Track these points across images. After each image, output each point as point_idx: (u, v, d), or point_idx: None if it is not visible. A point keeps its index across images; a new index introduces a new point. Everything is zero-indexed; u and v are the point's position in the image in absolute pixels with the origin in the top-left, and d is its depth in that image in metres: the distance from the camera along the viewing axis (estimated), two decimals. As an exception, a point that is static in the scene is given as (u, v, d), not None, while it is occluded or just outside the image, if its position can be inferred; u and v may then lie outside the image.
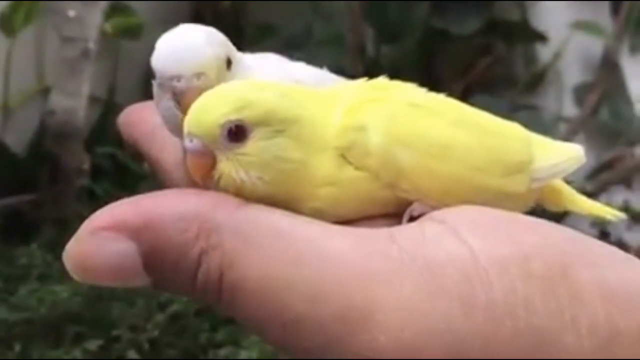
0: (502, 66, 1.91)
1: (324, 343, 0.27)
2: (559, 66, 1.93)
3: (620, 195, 1.76)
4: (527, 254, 0.27)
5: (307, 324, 0.27)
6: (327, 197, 0.31)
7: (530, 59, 1.95)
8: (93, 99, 1.47)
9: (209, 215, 0.28)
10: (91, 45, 1.29)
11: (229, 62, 0.36)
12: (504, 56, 1.93)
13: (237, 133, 0.30)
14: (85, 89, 1.30)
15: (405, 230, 0.29)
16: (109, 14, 1.50)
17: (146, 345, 1.03)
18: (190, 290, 0.28)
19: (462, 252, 0.27)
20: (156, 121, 0.40)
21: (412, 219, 0.31)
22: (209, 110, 0.30)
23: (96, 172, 1.44)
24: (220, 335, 1.08)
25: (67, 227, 1.30)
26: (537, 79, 1.93)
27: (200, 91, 0.34)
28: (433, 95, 0.35)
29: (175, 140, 0.39)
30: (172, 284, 0.29)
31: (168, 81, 0.35)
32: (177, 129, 0.36)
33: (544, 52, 1.94)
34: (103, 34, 1.47)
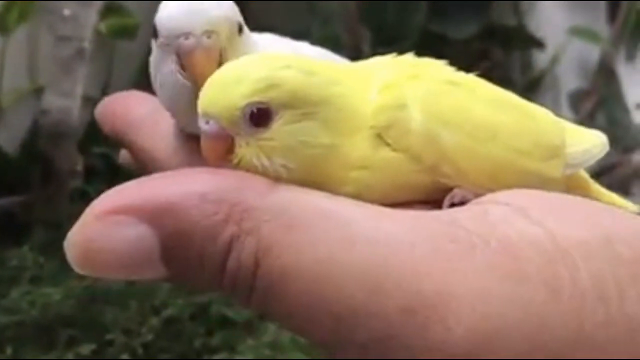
0: (499, 71, 1.91)
1: (384, 337, 0.24)
2: (556, 71, 1.93)
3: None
4: (608, 236, 0.25)
5: (366, 315, 0.24)
6: (360, 181, 0.29)
7: (527, 64, 1.95)
8: (86, 99, 1.45)
9: (239, 196, 0.25)
10: (86, 44, 1.27)
11: (240, 28, 0.33)
12: (501, 61, 1.93)
13: (259, 116, 0.28)
14: (80, 89, 1.29)
15: (465, 212, 0.26)
16: (104, 14, 1.48)
17: (140, 350, 1.02)
18: (216, 281, 0.25)
19: (538, 233, 0.25)
20: (143, 110, 0.38)
21: (452, 205, 0.29)
22: (228, 90, 0.28)
23: (89, 173, 1.43)
24: (215, 340, 1.07)
25: (59, 229, 1.29)
26: (534, 84, 1.93)
27: (209, 52, 0.31)
28: (465, 74, 0.33)
29: (167, 126, 0.36)
30: (195, 274, 0.26)
31: (174, 40, 0.32)
32: (177, 99, 0.33)
33: (541, 58, 1.94)
34: (97, 34, 1.46)
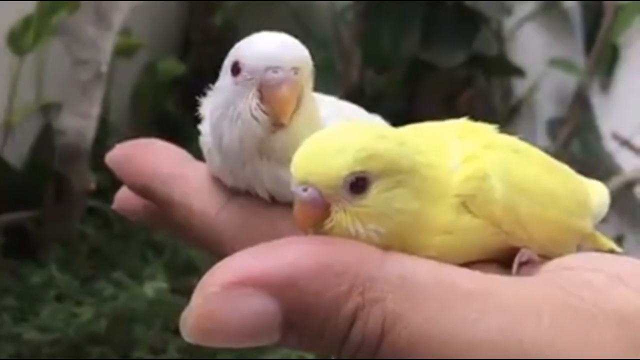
0: (480, 98, 1.99)
1: None
2: (534, 100, 2.01)
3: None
4: None
5: None
6: (442, 245, 0.30)
7: (507, 92, 2.03)
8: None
9: (360, 267, 0.26)
10: (104, 68, 1.31)
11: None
12: (484, 89, 2.00)
13: (359, 185, 0.29)
14: (96, 111, 1.32)
15: (569, 279, 0.28)
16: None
17: (167, 368, 1.05)
18: (336, 349, 0.26)
19: None
20: (168, 162, 0.36)
21: (520, 264, 0.31)
22: (330, 159, 0.28)
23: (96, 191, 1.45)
24: (236, 356, 1.11)
25: (73, 246, 1.31)
26: (514, 112, 2.01)
27: (294, 87, 0.32)
28: (510, 137, 0.35)
29: (198, 180, 0.35)
30: (315, 342, 0.26)
31: (261, 73, 0.32)
32: (247, 137, 0.33)
33: (520, 86, 2.02)
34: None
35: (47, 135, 1.46)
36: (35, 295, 1.15)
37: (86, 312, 1.08)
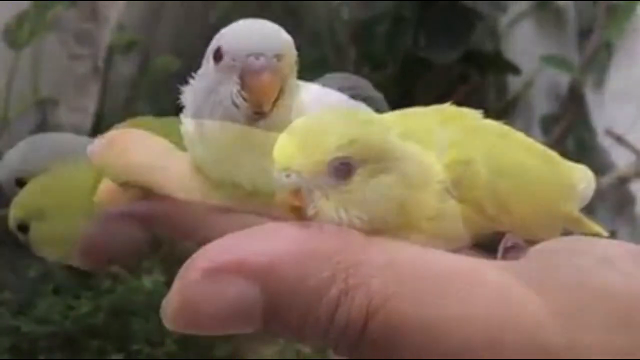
0: (475, 95, 1.99)
1: None
2: (529, 96, 2.02)
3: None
4: None
5: None
6: (427, 231, 0.30)
7: (502, 89, 2.03)
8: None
9: (343, 252, 0.26)
10: (100, 63, 1.31)
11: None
12: (478, 85, 2.01)
13: (342, 171, 0.28)
14: (92, 106, 1.33)
15: (556, 261, 0.28)
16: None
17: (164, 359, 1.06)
18: (320, 336, 0.26)
19: (633, 283, 0.27)
20: (148, 152, 0.36)
21: (505, 250, 0.31)
22: (313, 144, 0.28)
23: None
24: (229, 347, 1.11)
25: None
26: (508, 108, 2.02)
27: (276, 75, 0.31)
28: (495, 122, 0.35)
29: (179, 170, 0.35)
30: (296, 329, 0.26)
31: (243, 60, 0.31)
32: (231, 122, 0.32)
33: (515, 83, 2.03)
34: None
35: (43, 130, 1.46)
36: (33, 289, 1.15)
37: (84, 305, 1.08)
